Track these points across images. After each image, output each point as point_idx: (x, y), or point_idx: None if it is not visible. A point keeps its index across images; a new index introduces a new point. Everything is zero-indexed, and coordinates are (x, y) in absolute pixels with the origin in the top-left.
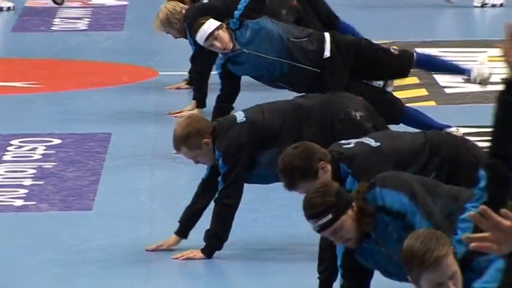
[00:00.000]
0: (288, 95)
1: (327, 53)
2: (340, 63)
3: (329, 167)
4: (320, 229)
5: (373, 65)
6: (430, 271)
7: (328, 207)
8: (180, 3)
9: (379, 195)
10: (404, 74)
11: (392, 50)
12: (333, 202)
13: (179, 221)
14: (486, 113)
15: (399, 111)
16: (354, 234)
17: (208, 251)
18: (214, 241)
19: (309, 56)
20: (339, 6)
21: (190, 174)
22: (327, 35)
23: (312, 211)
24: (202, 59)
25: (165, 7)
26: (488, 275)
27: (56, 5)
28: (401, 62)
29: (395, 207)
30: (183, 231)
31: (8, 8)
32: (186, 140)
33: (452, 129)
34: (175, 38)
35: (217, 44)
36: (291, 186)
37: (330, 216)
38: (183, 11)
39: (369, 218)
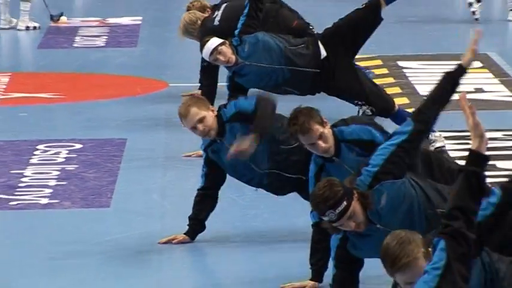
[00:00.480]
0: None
1: (324, 53)
2: (338, 57)
3: None
4: (338, 217)
5: (355, 32)
6: (400, 273)
7: (341, 196)
8: (198, 13)
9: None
10: (378, 21)
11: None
12: (343, 191)
13: (188, 224)
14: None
15: (393, 106)
16: (362, 217)
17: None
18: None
19: (307, 59)
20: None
21: (197, 175)
22: (318, 38)
23: (328, 203)
24: (210, 72)
25: (183, 18)
26: (435, 256)
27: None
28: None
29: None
30: (191, 235)
31: (34, 28)
32: None
33: (436, 134)
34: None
35: (221, 57)
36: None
37: (344, 203)
38: (199, 22)
39: (368, 199)
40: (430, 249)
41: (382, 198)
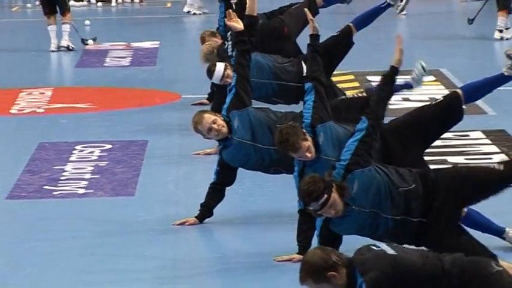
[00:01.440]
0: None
1: (305, 71)
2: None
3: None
4: (321, 207)
5: (331, 56)
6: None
7: (322, 190)
8: (213, 44)
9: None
10: (350, 45)
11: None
12: (324, 186)
13: (199, 210)
14: None
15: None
16: (341, 205)
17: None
18: None
19: (291, 75)
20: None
21: (205, 169)
22: (301, 59)
23: (312, 196)
24: (221, 91)
25: (202, 50)
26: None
27: (83, 44)
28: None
29: None
30: (201, 218)
31: (68, 46)
32: None
33: None
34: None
35: (228, 80)
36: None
37: (325, 195)
38: (215, 51)
39: (345, 189)
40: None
41: (354, 185)
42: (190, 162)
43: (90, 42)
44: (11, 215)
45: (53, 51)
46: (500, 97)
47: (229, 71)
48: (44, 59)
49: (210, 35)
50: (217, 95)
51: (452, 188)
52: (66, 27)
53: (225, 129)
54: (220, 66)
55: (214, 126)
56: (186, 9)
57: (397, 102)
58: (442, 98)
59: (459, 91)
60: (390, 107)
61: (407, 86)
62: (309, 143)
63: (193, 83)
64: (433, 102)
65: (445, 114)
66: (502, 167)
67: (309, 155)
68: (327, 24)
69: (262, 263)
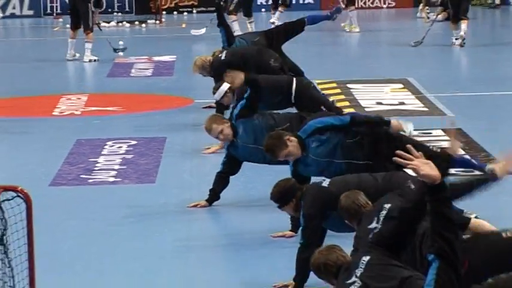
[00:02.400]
0: None
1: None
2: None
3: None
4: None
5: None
6: None
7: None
8: (208, 57)
9: None
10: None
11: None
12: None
13: (209, 194)
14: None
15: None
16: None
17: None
18: None
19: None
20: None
21: (214, 162)
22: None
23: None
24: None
25: (199, 59)
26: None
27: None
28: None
29: None
30: (210, 202)
31: (95, 60)
32: None
33: None
34: (204, 76)
35: (226, 99)
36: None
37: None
38: (209, 62)
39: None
40: None
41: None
42: (201, 155)
43: (120, 53)
44: (53, 199)
45: (68, 60)
46: (458, 102)
47: (229, 94)
48: (80, 70)
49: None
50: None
51: None
52: (88, 45)
53: (230, 136)
54: (224, 87)
55: (221, 136)
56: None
57: (371, 105)
58: None
59: None
60: (368, 109)
61: None
62: (290, 148)
63: (203, 90)
64: None
65: None
66: None
67: (292, 158)
68: (314, 40)
69: (261, 239)
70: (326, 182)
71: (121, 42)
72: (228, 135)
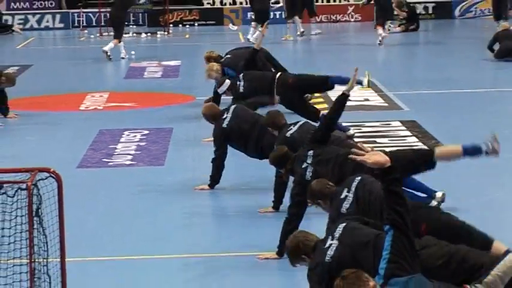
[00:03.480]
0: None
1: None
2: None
3: None
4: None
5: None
6: None
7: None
8: (216, 65)
9: None
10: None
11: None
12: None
13: (210, 181)
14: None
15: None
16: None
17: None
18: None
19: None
20: None
21: (212, 148)
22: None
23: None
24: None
25: (210, 66)
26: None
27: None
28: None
29: None
30: (212, 186)
31: (122, 58)
32: None
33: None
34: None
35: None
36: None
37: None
38: (218, 68)
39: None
40: None
41: None
42: (201, 144)
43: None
44: (80, 179)
45: (123, 58)
46: (413, 98)
47: (228, 92)
48: (102, 72)
49: (216, 57)
50: (215, 94)
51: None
52: (111, 45)
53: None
54: (227, 83)
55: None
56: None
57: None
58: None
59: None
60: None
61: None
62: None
63: (203, 89)
64: None
65: None
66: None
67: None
68: (301, 47)
69: (250, 212)
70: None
71: (133, 52)
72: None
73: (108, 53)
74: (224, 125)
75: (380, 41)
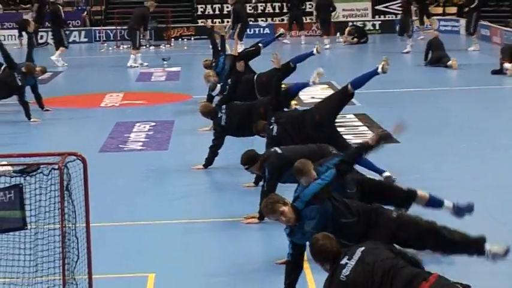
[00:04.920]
0: None
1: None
2: None
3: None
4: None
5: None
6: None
7: (246, 163)
8: (211, 71)
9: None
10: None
11: None
12: (247, 161)
13: (205, 162)
14: None
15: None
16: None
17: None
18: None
19: None
20: None
21: (205, 137)
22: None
23: (242, 163)
24: (211, 99)
25: (207, 73)
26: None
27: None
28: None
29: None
30: (206, 166)
31: (141, 64)
32: None
33: None
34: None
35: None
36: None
37: (247, 166)
38: (214, 74)
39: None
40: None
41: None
42: (197, 133)
43: (165, 62)
44: (101, 162)
45: (135, 66)
46: (366, 96)
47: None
48: (118, 76)
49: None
50: (209, 96)
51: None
52: (132, 57)
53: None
54: (218, 88)
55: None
56: (128, 64)
57: (307, 99)
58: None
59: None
60: (304, 102)
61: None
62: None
63: (198, 89)
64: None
65: None
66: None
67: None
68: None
69: (237, 187)
70: (279, 149)
71: (146, 64)
72: (213, 80)
73: (135, 64)
74: (222, 123)
75: (326, 48)
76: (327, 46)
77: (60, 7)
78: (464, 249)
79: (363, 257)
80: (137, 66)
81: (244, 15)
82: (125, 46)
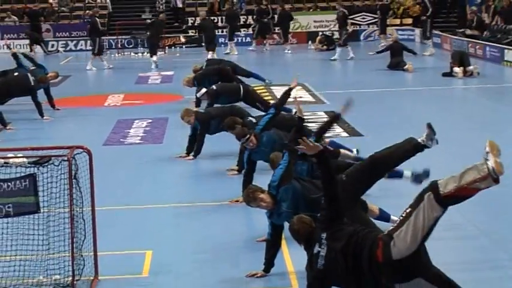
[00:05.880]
0: None
1: None
2: None
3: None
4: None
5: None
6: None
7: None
8: (191, 74)
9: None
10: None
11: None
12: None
13: (193, 153)
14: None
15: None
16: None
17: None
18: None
19: None
20: None
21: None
22: None
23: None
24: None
25: (186, 77)
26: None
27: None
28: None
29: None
30: (195, 156)
31: (157, 67)
32: None
33: None
34: (190, 87)
35: (204, 97)
36: None
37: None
38: (193, 77)
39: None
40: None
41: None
42: (186, 127)
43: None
44: (105, 154)
45: (153, 68)
46: (333, 96)
47: (204, 95)
48: (119, 80)
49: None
50: (197, 99)
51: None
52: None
53: (192, 122)
54: (203, 91)
55: (187, 123)
56: (152, 67)
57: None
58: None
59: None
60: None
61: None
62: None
63: (188, 90)
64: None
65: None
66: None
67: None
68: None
69: (222, 174)
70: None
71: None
72: (192, 122)
73: (153, 66)
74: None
75: (253, 49)
76: (289, 52)
77: (97, 19)
78: (405, 156)
79: (329, 243)
80: (154, 69)
81: (211, 29)
82: (125, 53)
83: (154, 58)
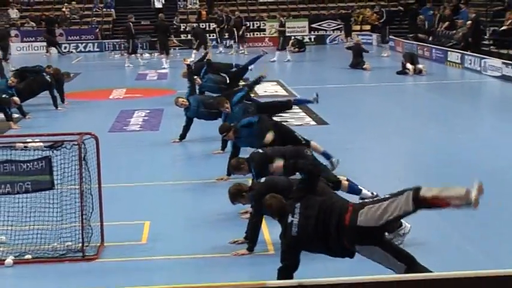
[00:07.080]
0: None
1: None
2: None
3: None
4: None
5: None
6: None
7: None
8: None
9: None
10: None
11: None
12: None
13: (179, 138)
14: None
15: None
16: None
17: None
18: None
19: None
20: None
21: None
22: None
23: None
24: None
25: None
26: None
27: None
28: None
29: None
30: (181, 140)
31: (164, 68)
32: None
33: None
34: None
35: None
36: None
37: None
38: (185, 72)
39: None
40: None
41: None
42: (182, 117)
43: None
44: (110, 140)
45: (164, 68)
46: (304, 91)
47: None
48: (122, 76)
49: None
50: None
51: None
52: (163, 60)
53: (184, 105)
54: (198, 82)
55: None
56: (162, 66)
57: (263, 93)
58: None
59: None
60: (259, 95)
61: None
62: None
63: (181, 85)
64: None
65: None
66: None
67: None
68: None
69: (207, 154)
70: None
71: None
72: (184, 105)
73: (164, 65)
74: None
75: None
76: (246, 52)
77: (131, 24)
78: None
79: (302, 211)
80: (165, 68)
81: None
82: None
83: (166, 56)
